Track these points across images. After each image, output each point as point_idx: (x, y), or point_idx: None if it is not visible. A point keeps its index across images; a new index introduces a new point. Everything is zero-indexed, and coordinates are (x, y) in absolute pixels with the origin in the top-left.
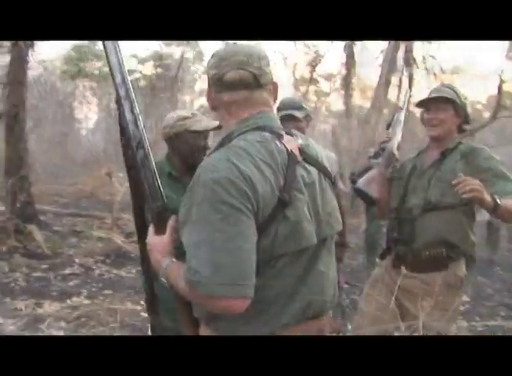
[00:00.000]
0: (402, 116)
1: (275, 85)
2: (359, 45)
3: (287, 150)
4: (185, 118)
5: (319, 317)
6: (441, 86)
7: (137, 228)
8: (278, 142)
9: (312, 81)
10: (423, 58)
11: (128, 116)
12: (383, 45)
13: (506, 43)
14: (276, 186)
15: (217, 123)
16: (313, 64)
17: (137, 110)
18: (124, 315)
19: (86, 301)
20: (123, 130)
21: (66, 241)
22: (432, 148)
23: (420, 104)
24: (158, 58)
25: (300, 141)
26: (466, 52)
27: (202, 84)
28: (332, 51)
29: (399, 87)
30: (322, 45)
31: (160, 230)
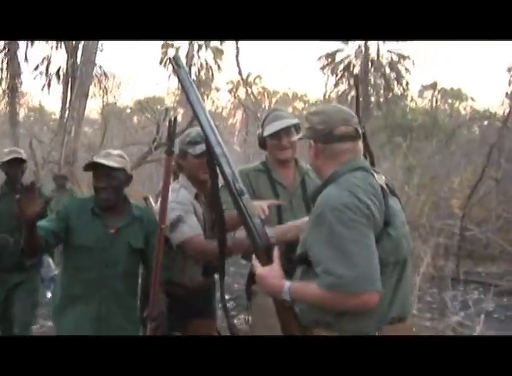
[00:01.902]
0: None
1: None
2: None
3: (380, 184)
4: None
5: (404, 320)
6: (279, 112)
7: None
8: (373, 179)
9: None
10: None
11: (228, 170)
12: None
13: None
14: (381, 211)
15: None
16: None
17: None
18: None
19: None
20: (227, 183)
21: None
22: (285, 169)
23: (274, 133)
24: None
25: (383, 178)
26: None
27: None
28: None
29: None
30: None
31: (266, 262)
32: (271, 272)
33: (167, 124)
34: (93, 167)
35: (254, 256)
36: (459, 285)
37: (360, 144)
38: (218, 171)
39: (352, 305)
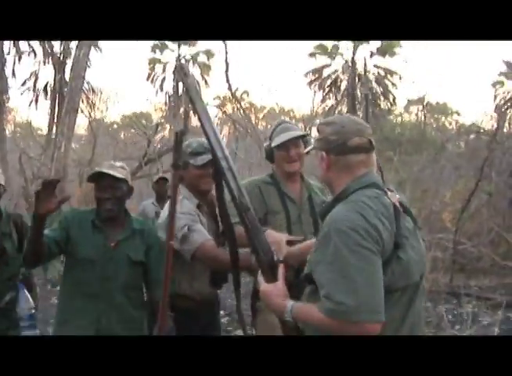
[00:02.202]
0: None
1: None
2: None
3: (393, 203)
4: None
5: None
6: (288, 124)
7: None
8: (386, 197)
9: None
10: None
11: (233, 184)
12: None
13: None
14: (392, 233)
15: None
16: None
17: (238, 177)
18: None
19: None
20: (232, 198)
21: None
22: (292, 182)
23: (282, 144)
24: None
25: (397, 195)
26: None
27: None
28: None
29: None
30: None
31: (270, 279)
32: (275, 290)
33: (174, 137)
34: (97, 178)
35: (259, 272)
36: (454, 299)
37: (374, 156)
38: (224, 185)
39: (351, 333)
